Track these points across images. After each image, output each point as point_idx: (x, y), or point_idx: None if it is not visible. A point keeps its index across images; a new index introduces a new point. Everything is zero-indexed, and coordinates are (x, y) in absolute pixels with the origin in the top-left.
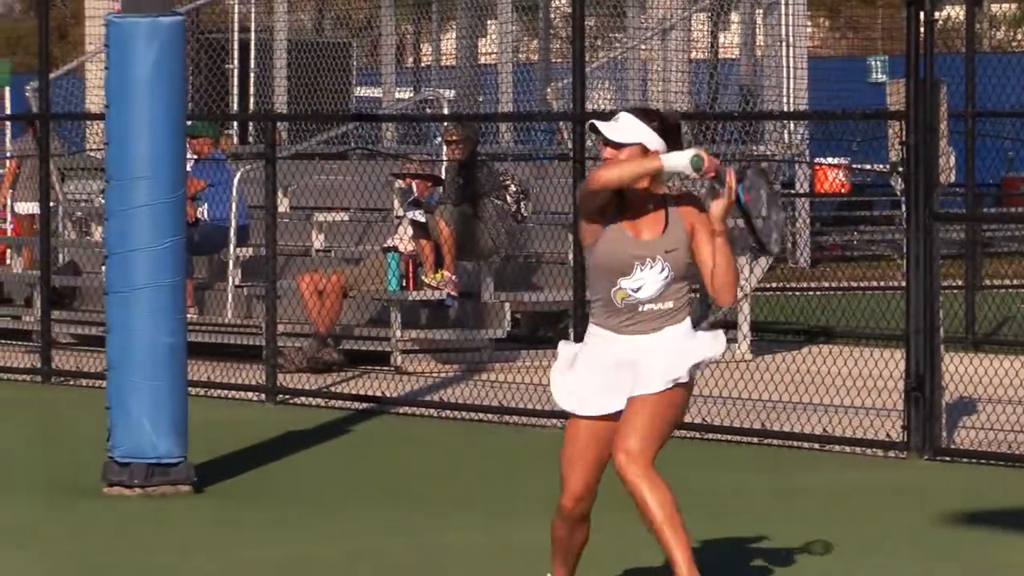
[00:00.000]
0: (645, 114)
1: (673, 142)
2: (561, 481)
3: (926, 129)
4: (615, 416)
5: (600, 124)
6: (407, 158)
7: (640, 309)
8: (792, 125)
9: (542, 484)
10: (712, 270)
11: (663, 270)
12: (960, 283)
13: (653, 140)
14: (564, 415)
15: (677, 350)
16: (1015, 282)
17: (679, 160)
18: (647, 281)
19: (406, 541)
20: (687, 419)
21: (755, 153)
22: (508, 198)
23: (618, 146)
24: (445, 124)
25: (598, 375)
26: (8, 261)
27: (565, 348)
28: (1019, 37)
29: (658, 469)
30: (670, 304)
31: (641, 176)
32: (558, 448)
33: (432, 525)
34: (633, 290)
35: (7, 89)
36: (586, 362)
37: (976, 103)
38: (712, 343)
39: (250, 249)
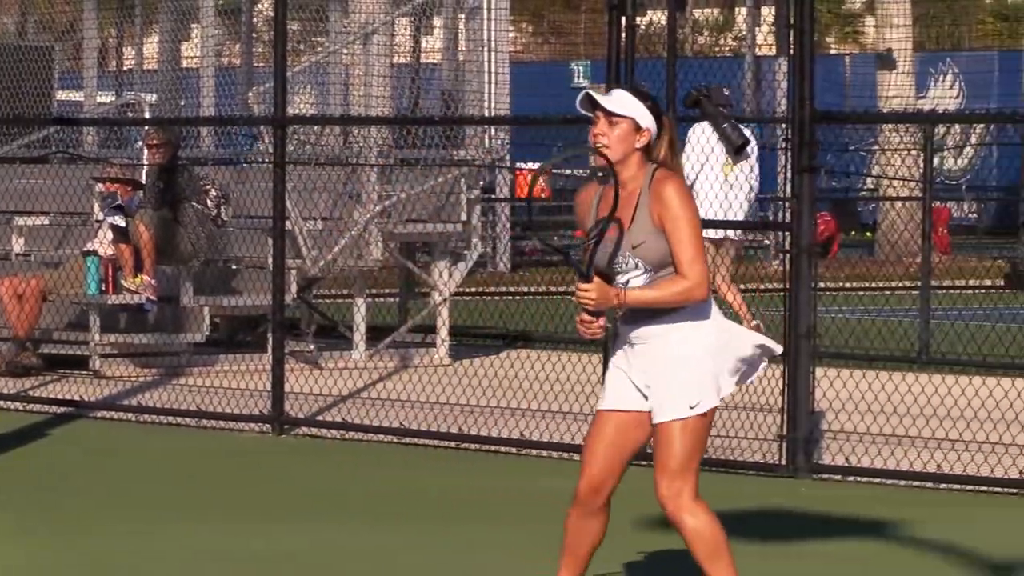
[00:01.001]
0: (639, 92)
1: (664, 124)
2: (581, 464)
3: None
4: (634, 411)
5: (597, 95)
6: (108, 162)
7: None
8: (493, 130)
9: (242, 488)
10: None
11: (637, 266)
12: None
13: (645, 117)
14: (264, 419)
15: (690, 371)
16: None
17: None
18: (631, 277)
19: (104, 543)
20: (385, 423)
21: (456, 158)
22: (208, 202)
23: (611, 115)
24: (146, 128)
25: (619, 369)
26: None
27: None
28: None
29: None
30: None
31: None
32: (257, 452)
33: (132, 529)
34: (622, 285)
35: None
36: (613, 357)
37: (678, 108)
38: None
39: None
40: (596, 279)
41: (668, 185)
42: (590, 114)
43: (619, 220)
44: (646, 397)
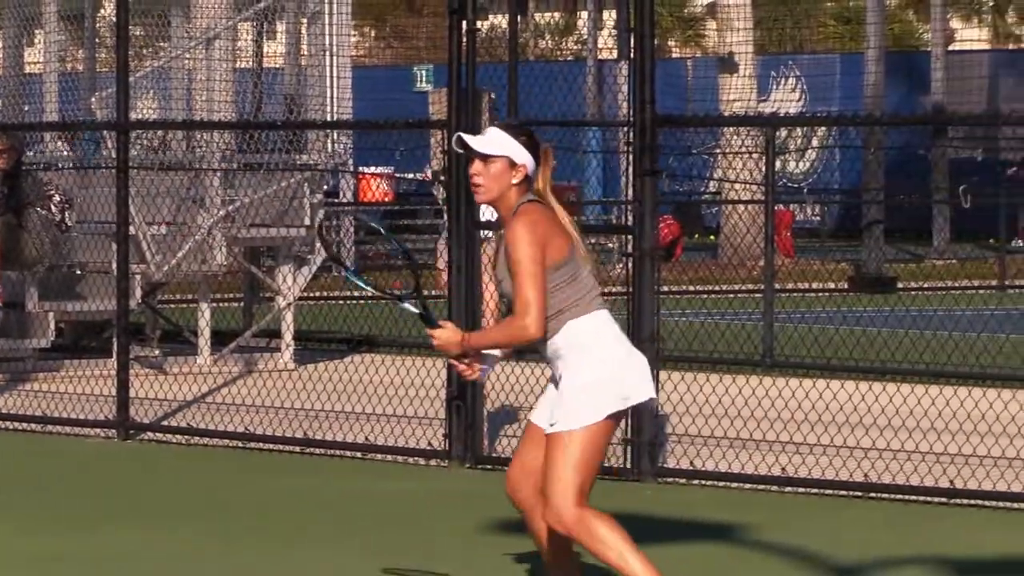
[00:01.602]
0: (512, 128)
1: (539, 158)
2: None
3: None
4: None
5: (468, 137)
6: None
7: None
8: (336, 134)
9: (88, 492)
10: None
11: (504, 296)
12: None
13: (520, 153)
14: (109, 424)
15: (574, 391)
16: None
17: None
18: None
19: None
20: (230, 428)
21: (299, 162)
22: (53, 207)
23: (485, 158)
24: None
25: (550, 383)
26: None
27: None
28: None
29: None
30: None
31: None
32: (102, 457)
33: None
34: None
35: None
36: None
37: (520, 112)
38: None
39: None
40: (448, 324)
41: (512, 227)
42: (461, 152)
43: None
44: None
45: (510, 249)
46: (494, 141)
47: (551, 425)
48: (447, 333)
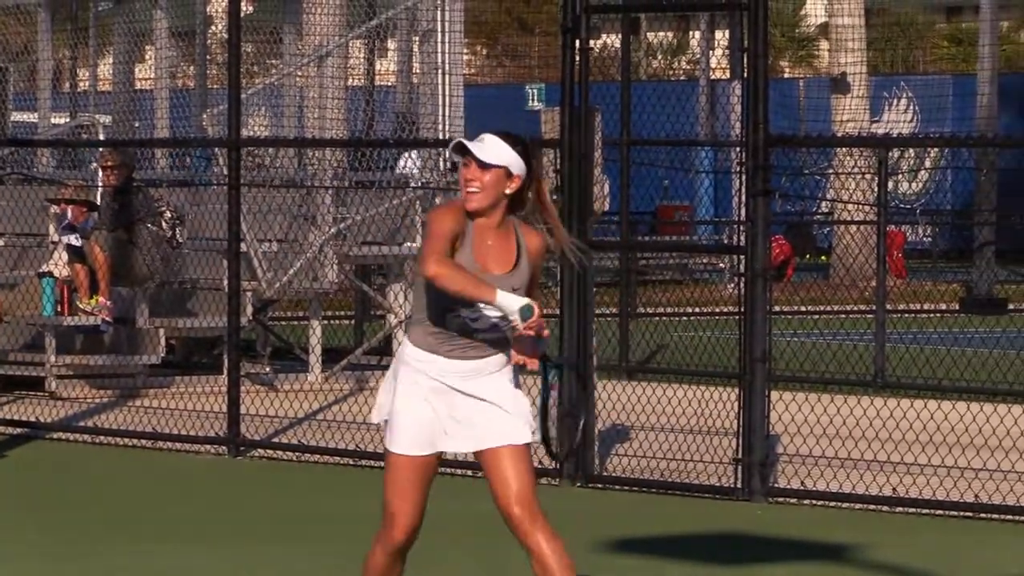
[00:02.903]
0: (510, 138)
1: (534, 168)
2: (387, 513)
3: (580, 157)
4: (437, 453)
5: (468, 144)
6: (63, 183)
7: (472, 337)
8: (448, 152)
9: (199, 509)
10: None
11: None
12: (615, 311)
13: (517, 164)
14: (220, 441)
15: (517, 402)
16: (669, 310)
17: (511, 303)
18: (486, 313)
19: (61, 568)
20: (340, 445)
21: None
22: (164, 224)
23: (485, 166)
24: (101, 149)
25: (424, 409)
26: None
27: (391, 369)
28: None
29: None
30: (500, 335)
31: (471, 298)
32: (213, 474)
33: (86, 551)
34: (472, 319)
35: None
36: (408, 391)
37: (632, 131)
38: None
39: None
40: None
41: (541, 239)
42: (458, 158)
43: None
44: (446, 433)
45: (541, 260)
46: (494, 150)
47: (532, 434)
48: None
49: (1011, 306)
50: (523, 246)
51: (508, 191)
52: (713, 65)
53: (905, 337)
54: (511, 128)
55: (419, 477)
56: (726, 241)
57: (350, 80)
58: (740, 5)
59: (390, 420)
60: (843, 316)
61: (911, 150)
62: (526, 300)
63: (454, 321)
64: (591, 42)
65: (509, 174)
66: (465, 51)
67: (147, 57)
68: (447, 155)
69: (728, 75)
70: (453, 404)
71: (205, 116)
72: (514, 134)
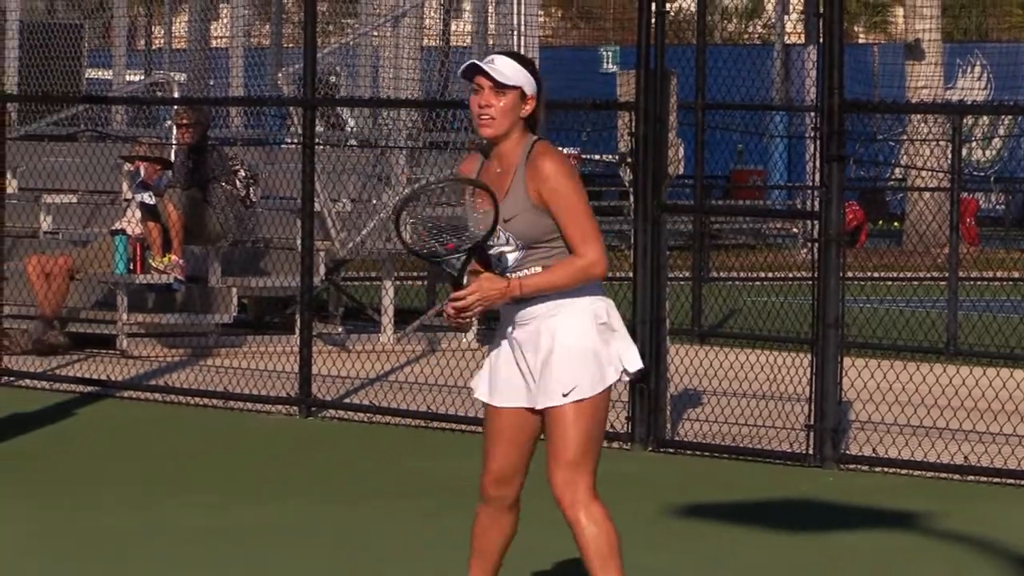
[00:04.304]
0: (518, 56)
1: (543, 87)
2: (483, 460)
3: (655, 120)
4: (524, 406)
5: (483, 65)
6: (137, 141)
7: (512, 277)
8: (458, 75)
9: (268, 468)
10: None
11: (508, 241)
12: (688, 275)
13: (530, 84)
14: (292, 401)
15: (573, 354)
16: (742, 275)
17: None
18: (504, 251)
19: (138, 519)
20: (413, 407)
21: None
22: (238, 183)
23: (501, 87)
24: (176, 108)
25: (503, 361)
26: None
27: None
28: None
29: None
30: (538, 269)
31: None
32: (284, 434)
33: (162, 506)
34: (496, 260)
35: None
36: (495, 346)
37: (707, 95)
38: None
39: None
40: (486, 272)
41: (548, 160)
42: (469, 82)
43: (492, 193)
44: (535, 381)
45: (556, 184)
46: (508, 70)
47: (564, 395)
48: (488, 282)
49: None
50: (520, 173)
51: (523, 114)
52: (788, 30)
53: (978, 305)
54: (587, 90)
55: (499, 428)
56: (800, 206)
57: (425, 40)
58: None
59: None
60: (916, 283)
61: (985, 117)
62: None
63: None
64: (667, 5)
65: (523, 95)
66: (540, 12)
67: (222, 15)
68: (459, 74)
69: (803, 40)
70: (520, 350)
71: (280, 75)
72: (517, 53)
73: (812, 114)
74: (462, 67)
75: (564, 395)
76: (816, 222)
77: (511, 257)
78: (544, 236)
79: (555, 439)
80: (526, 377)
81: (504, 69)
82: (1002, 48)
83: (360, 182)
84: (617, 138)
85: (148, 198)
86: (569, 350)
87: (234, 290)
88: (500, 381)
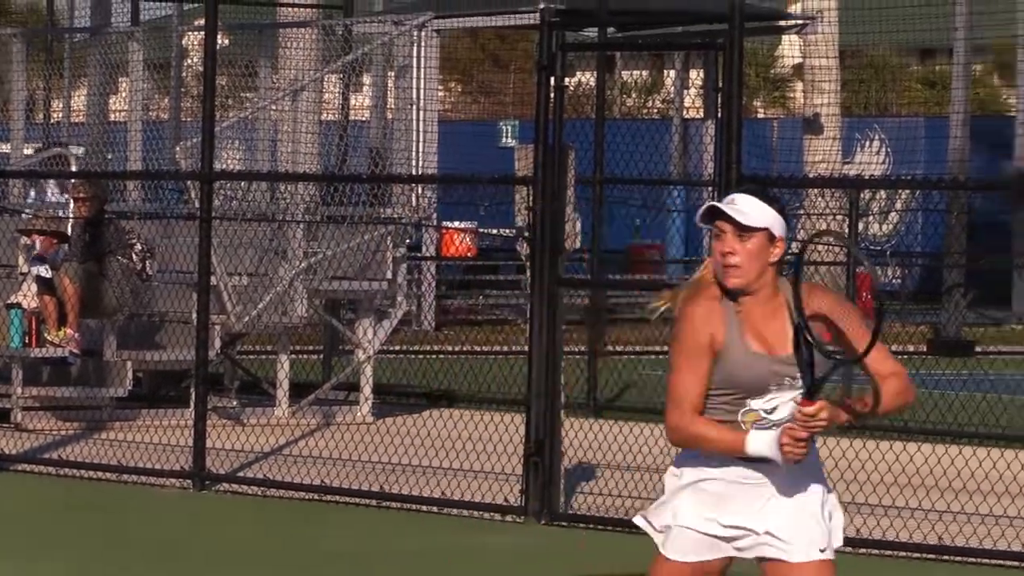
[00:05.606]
0: (764, 195)
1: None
2: None
3: (553, 195)
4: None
5: (724, 207)
6: (34, 214)
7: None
8: (420, 188)
9: (158, 544)
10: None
11: (794, 385)
12: (583, 349)
13: (779, 225)
14: (186, 475)
15: (824, 510)
16: (638, 348)
17: (760, 447)
18: (780, 402)
19: None
20: (307, 481)
21: (383, 215)
22: (134, 256)
23: (745, 231)
24: (73, 180)
25: (708, 516)
26: None
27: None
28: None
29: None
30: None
31: (721, 452)
32: (176, 509)
33: None
34: (767, 411)
35: None
36: (699, 500)
37: (605, 169)
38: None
39: None
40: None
41: (836, 296)
42: (708, 227)
43: (807, 338)
44: (730, 540)
45: (855, 317)
46: (753, 211)
47: (821, 551)
48: (830, 407)
49: (978, 348)
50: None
51: (772, 259)
52: (687, 104)
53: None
54: (486, 164)
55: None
56: None
57: (324, 114)
58: (715, 45)
59: None
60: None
61: (882, 192)
62: (774, 435)
63: (748, 417)
64: (566, 79)
65: (772, 237)
66: (439, 87)
67: (121, 89)
68: (697, 220)
69: (702, 114)
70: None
71: (178, 149)
72: (768, 191)
73: (710, 188)
74: (700, 209)
75: (822, 551)
76: None
77: (785, 409)
78: None
79: None
80: (737, 534)
81: (747, 209)
82: (901, 123)
83: (257, 256)
84: (515, 212)
85: (44, 271)
86: (831, 503)
87: (129, 363)
88: (699, 540)
